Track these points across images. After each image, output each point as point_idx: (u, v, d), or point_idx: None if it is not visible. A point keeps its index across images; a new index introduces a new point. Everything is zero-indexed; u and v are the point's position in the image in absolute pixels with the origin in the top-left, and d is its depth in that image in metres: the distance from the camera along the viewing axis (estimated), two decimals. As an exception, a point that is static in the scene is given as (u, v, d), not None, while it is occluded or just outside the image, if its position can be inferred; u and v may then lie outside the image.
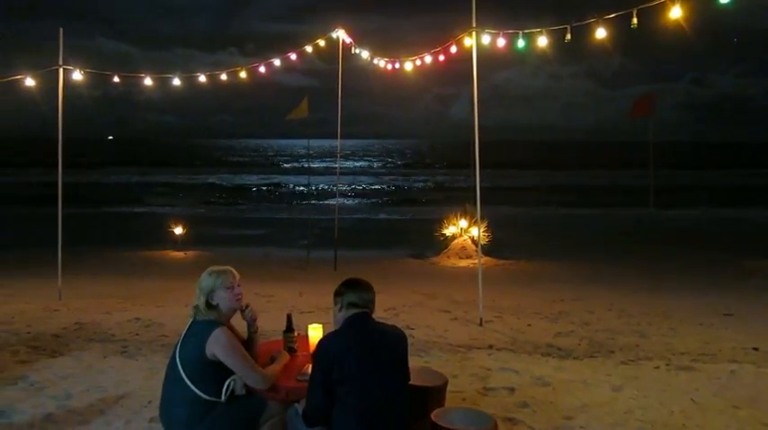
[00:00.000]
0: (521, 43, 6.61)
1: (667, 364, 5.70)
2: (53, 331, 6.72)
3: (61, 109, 8.48)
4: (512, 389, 5.00)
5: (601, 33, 6.01)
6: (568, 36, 6.12)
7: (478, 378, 5.30)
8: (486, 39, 7.01)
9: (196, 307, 3.29)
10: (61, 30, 8.30)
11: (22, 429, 4.20)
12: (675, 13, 5.52)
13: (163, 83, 9.20)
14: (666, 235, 18.02)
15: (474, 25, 7.06)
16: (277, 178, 48.69)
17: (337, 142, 11.62)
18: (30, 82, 8.27)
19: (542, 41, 6.43)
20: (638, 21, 5.68)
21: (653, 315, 7.85)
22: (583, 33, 6.14)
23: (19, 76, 8.22)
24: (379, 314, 3.23)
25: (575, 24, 6.09)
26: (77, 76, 8.48)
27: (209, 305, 3.28)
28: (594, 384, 5.15)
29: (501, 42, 6.84)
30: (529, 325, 7.30)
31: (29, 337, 6.45)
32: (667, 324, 7.39)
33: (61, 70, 8.34)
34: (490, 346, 6.31)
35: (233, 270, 3.41)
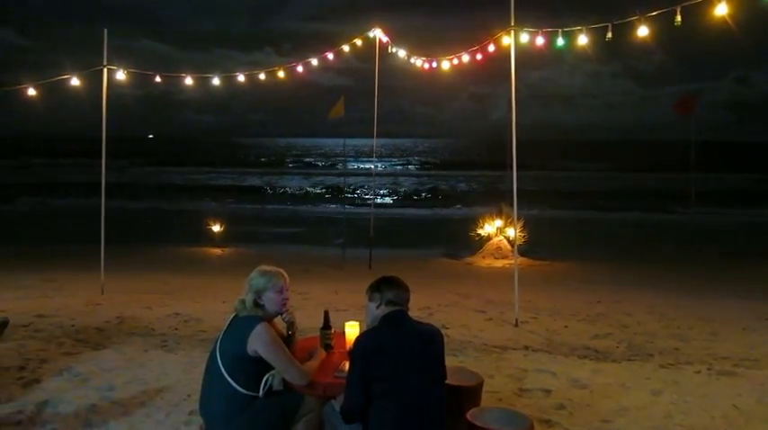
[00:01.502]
0: (560, 42, 6.53)
1: (708, 369, 5.57)
2: (96, 324, 6.91)
3: (105, 108, 8.69)
4: (548, 391, 4.95)
5: (643, 31, 5.90)
6: (609, 34, 6.03)
7: (514, 379, 5.26)
8: (524, 37, 6.94)
9: (243, 302, 3.34)
10: (105, 31, 8.53)
11: (68, 419, 4.33)
12: (721, 9, 5.39)
13: (201, 82, 9.35)
14: (708, 238, 17.58)
15: (512, 24, 7.00)
16: (312, 176, 49.04)
17: (373, 141, 11.66)
18: (75, 81, 8.49)
19: (582, 40, 6.34)
20: (682, 18, 5.56)
21: (693, 318, 7.68)
22: (624, 31, 6.03)
23: (65, 76, 8.44)
24: (414, 313, 3.23)
25: (616, 22, 5.99)
26: (121, 75, 8.68)
27: (256, 304, 3.33)
28: (633, 388, 5.06)
29: (540, 41, 6.77)
30: (565, 326, 7.22)
31: (73, 330, 6.64)
32: (708, 328, 7.22)
33: (105, 70, 8.55)
34: (526, 347, 6.26)
35: (285, 273, 3.46)
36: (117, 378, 5.15)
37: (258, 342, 3.17)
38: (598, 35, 6.19)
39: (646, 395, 4.90)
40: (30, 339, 6.20)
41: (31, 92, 8.45)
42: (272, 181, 46.41)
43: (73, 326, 6.84)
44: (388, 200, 34.32)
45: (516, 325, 7.14)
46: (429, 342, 3.07)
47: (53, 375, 5.19)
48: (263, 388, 3.21)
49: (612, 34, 6.03)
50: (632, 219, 22.96)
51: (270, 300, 3.36)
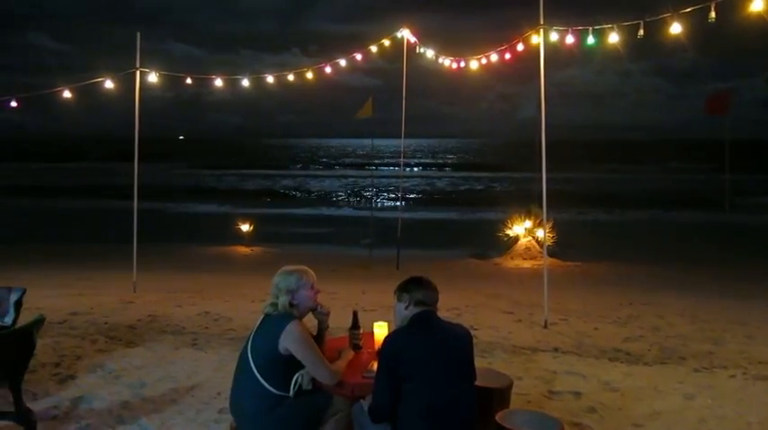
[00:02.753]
0: (590, 40, 6.45)
1: (744, 373, 5.44)
2: (128, 322, 7.03)
3: (138, 109, 8.84)
4: (578, 394, 4.89)
5: (676, 29, 5.80)
6: (641, 32, 5.93)
7: (543, 381, 5.21)
8: (553, 36, 6.87)
9: (275, 305, 3.35)
10: (138, 34, 8.66)
11: (102, 415, 4.41)
12: (757, 5, 5.26)
13: (230, 84, 9.44)
14: (742, 239, 17.20)
15: (542, 22, 6.93)
16: (340, 177, 49.23)
17: (401, 141, 11.65)
18: (109, 84, 8.64)
19: (613, 38, 6.25)
20: (716, 14, 5.44)
21: (728, 321, 7.51)
22: (656, 28, 5.93)
23: (99, 79, 8.60)
24: (442, 314, 3.22)
25: (648, 19, 5.90)
26: (153, 78, 8.81)
27: (290, 304, 3.34)
28: (666, 391, 4.97)
29: (570, 39, 6.69)
30: (595, 328, 7.12)
31: (106, 328, 6.77)
32: (743, 331, 7.06)
33: (138, 73, 8.69)
34: (555, 349, 6.19)
35: (310, 270, 3.48)
36: (148, 375, 5.24)
37: (290, 339, 3.18)
38: (630, 33, 6.10)
39: (679, 399, 4.81)
40: (65, 336, 6.35)
41: (67, 94, 8.61)
42: (299, 181, 46.72)
43: (106, 323, 6.97)
44: (415, 200, 34.25)
45: (545, 326, 7.07)
46: (458, 342, 3.06)
47: (87, 372, 5.30)
48: (293, 387, 3.23)
49: (644, 31, 5.94)
50: (664, 220, 22.56)
51: (303, 298, 3.38)
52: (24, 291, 5.00)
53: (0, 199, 29.45)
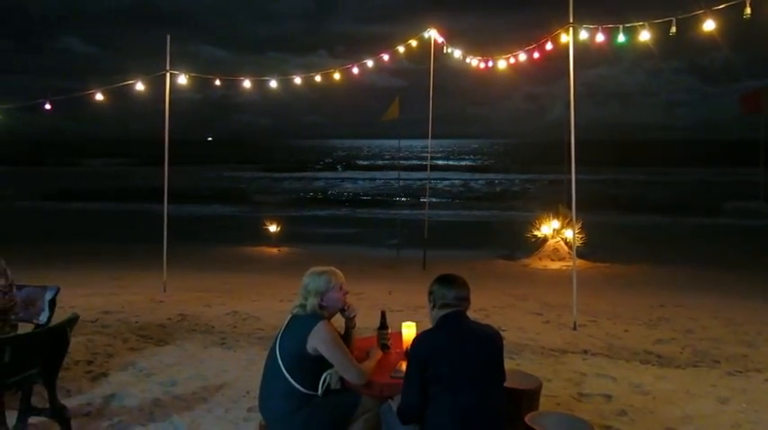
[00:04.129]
0: (621, 38, 6.36)
1: (780, 377, 5.32)
2: (159, 321, 7.14)
3: (167, 111, 8.95)
4: (608, 397, 4.83)
5: (709, 25, 5.68)
6: (673, 29, 5.82)
7: (573, 383, 5.15)
8: (583, 34, 6.78)
9: (303, 307, 3.37)
10: (168, 37, 8.77)
11: (133, 412, 4.49)
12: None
13: (258, 86, 9.51)
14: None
15: (571, 20, 6.86)
16: (367, 178, 49.31)
17: (428, 142, 11.63)
18: (140, 86, 8.76)
19: (644, 36, 6.15)
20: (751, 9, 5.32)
21: (762, 324, 7.34)
22: (689, 26, 5.82)
23: (131, 81, 8.73)
24: (470, 315, 3.19)
25: (681, 17, 5.78)
26: (182, 80, 8.92)
27: (320, 306, 3.35)
28: (698, 395, 4.88)
29: (600, 38, 6.60)
30: (626, 330, 7.02)
31: (137, 326, 6.88)
32: (780, 334, 6.89)
33: (168, 75, 8.80)
34: (585, 351, 6.12)
35: (338, 271, 3.49)
36: (179, 373, 5.31)
37: (318, 340, 3.20)
38: (661, 30, 5.99)
39: (712, 403, 4.72)
40: (97, 334, 6.47)
41: (99, 97, 8.75)
42: (325, 182, 46.91)
43: (137, 322, 7.08)
44: (442, 200, 34.13)
45: (574, 328, 6.99)
46: (488, 343, 3.03)
47: (119, 369, 5.39)
48: (322, 386, 3.24)
49: (677, 29, 5.82)
50: (696, 221, 22.14)
51: (332, 300, 3.40)
52: (58, 290, 5.11)
53: (33, 200, 30.17)
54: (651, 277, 11.25)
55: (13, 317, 4.93)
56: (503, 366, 3.07)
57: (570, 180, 7.20)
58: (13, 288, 4.98)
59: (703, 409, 4.58)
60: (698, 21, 5.74)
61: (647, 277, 11.28)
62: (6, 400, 3.75)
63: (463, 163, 73.26)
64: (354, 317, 3.63)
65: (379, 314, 3.89)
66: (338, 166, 66.24)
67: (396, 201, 31.30)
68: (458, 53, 10.23)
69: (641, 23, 6.14)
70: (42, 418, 4.10)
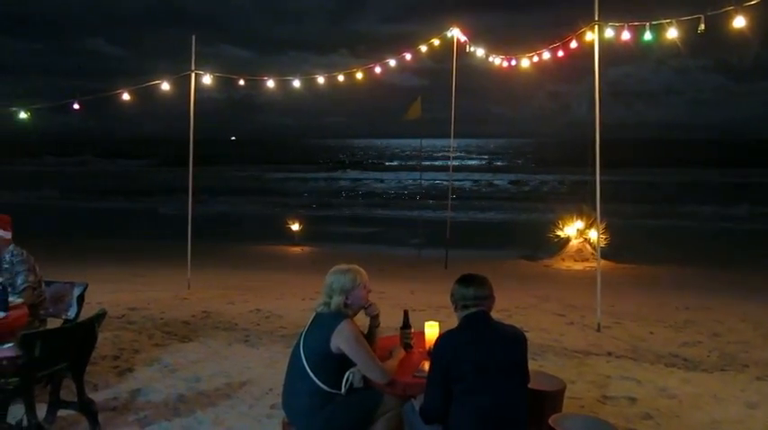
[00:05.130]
0: (648, 36, 6.27)
1: (811, 383, 5.20)
2: (183, 318, 7.22)
3: (192, 111, 9.04)
4: (633, 400, 4.77)
5: (739, 22, 5.56)
6: (702, 26, 5.71)
7: (597, 385, 5.10)
8: (608, 32, 6.70)
9: (327, 304, 3.37)
10: (194, 38, 8.87)
11: (158, 407, 4.55)
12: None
13: (280, 85, 9.55)
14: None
15: (596, 18, 6.78)
16: (388, 177, 49.32)
17: (450, 141, 11.59)
18: (165, 86, 8.86)
19: (672, 33, 6.06)
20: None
21: (793, 328, 7.19)
22: (718, 22, 5.71)
23: (156, 82, 8.83)
24: (492, 315, 3.17)
25: (710, 13, 5.68)
26: (207, 80, 9.00)
27: (344, 304, 3.36)
28: (726, 399, 4.80)
29: (625, 36, 6.51)
30: (651, 332, 6.93)
31: (162, 323, 6.97)
32: (811, 338, 6.75)
33: (193, 75, 8.89)
34: (609, 353, 6.05)
35: (362, 269, 3.50)
36: (203, 370, 5.37)
37: (342, 339, 3.21)
38: (689, 28, 5.89)
39: (740, 408, 4.64)
40: (123, 330, 6.57)
41: (125, 97, 8.86)
42: (347, 181, 47.01)
43: (162, 319, 7.17)
44: (464, 200, 34.01)
45: (598, 329, 6.91)
46: (512, 344, 3.02)
47: (144, 365, 5.46)
48: (345, 385, 3.25)
49: (705, 26, 5.72)
50: (723, 222, 21.75)
51: (356, 298, 3.41)
52: (86, 286, 5.20)
53: (59, 198, 30.69)
54: (677, 278, 11.09)
55: (42, 312, 5.04)
56: (527, 367, 3.05)
57: (594, 180, 7.12)
58: (42, 284, 5.09)
59: (731, 414, 4.51)
60: (728, 17, 5.63)
61: (672, 279, 11.13)
62: (36, 393, 3.82)
63: (485, 162, 72.85)
64: (378, 315, 3.63)
65: (401, 313, 3.89)
66: (359, 166, 66.31)
67: (417, 200, 31.26)
68: (481, 52, 10.18)
69: (669, 21, 6.04)
70: (70, 411, 4.18)
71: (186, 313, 7.48)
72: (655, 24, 6.20)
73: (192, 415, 4.42)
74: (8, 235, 4.91)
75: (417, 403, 3.10)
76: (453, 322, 3.21)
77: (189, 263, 9.08)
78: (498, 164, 70.24)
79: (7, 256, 4.84)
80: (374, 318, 3.63)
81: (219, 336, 6.45)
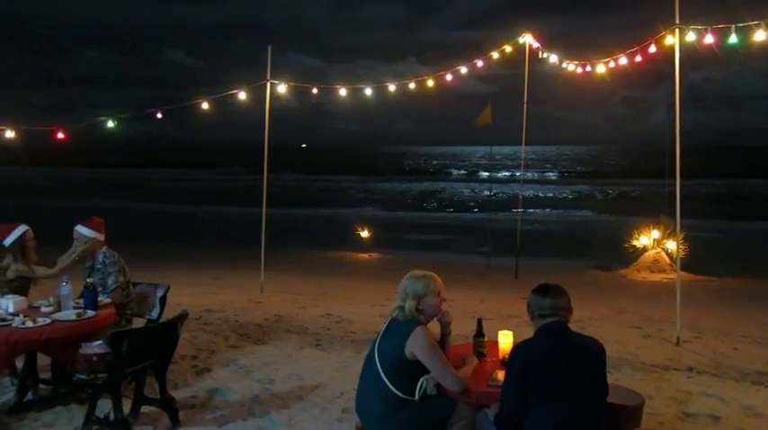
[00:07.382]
0: (733, 39, 6.00)
1: None
2: (257, 321, 7.42)
3: (268, 120, 9.29)
4: (717, 418, 4.56)
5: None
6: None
7: (677, 402, 4.91)
8: (690, 36, 6.45)
9: (402, 308, 3.40)
10: (270, 48, 9.13)
11: (234, 407, 4.70)
12: None
13: (351, 93, 9.67)
14: None
15: (677, 21, 6.55)
16: (458, 184, 49.08)
17: (521, 148, 11.43)
18: (242, 95, 9.13)
19: (760, 36, 5.78)
20: None
21: None
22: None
23: (234, 91, 9.12)
24: (568, 326, 3.10)
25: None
26: (282, 89, 9.23)
27: (417, 309, 3.38)
28: (819, 421, 4.52)
29: (708, 39, 6.25)
30: (735, 348, 6.60)
31: (237, 325, 7.19)
32: None
33: (269, 84, 9.14)
34: (690, 369, 5.81)
35: (438, 277, 3.51)
36: (276, 372, 5.51)
37: (416, 345, 3.23)
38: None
39: (835, 431, 4.36)
40: (200, 331, 6.82)
41: (204, 106, 9.18)
42: (417, 188, 47.07)
43: (237, 321, 7.40)
44: (535, 208, 33.42)
45: (678, 344, 6.64)
46: (590, 355, 2.95)
47: (221, 365, 5.65)
48: (419, 391, 3.27)
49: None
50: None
51: (429, 305, 3.42)
52: (168, 288, 5.44)
53: (142, 202, 32.15)
54: (762, 292, 10.51)
55: (128, 312, 5.30)
56: (605, 380, 2.97)
57: (673, 188, 6.86)
58: (130, 285, 5.36)
59: (825, 437, 4.25)
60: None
61: (757, 292, 10.55)
62: (122, 390, 4.03)
63: (557, 169, 71.39)
64: (450, 323, 3.64)
65: (471, 322, 3.87)
66: (429, 172, 66.29)
67: (487, 207, 30.94)
68: (554, 58, 10.01)
69: (756, 23, 5.77)
70: (153, 408, 4.38)
71: (259, 316, 7.68)
72: (741, 27, 5.93)
73: (266, 416, 4.53)
74: (101, 237, 5.19)
75: (491, 413, 3.08)
76: (525, 332, 3.17)
77: (262, 267, 9.31)
78: (571, 171, 68.70)
79: (100, 257, 5.12)
80: (446, 326, 3.63)
81: (291, 340, 6.60)
